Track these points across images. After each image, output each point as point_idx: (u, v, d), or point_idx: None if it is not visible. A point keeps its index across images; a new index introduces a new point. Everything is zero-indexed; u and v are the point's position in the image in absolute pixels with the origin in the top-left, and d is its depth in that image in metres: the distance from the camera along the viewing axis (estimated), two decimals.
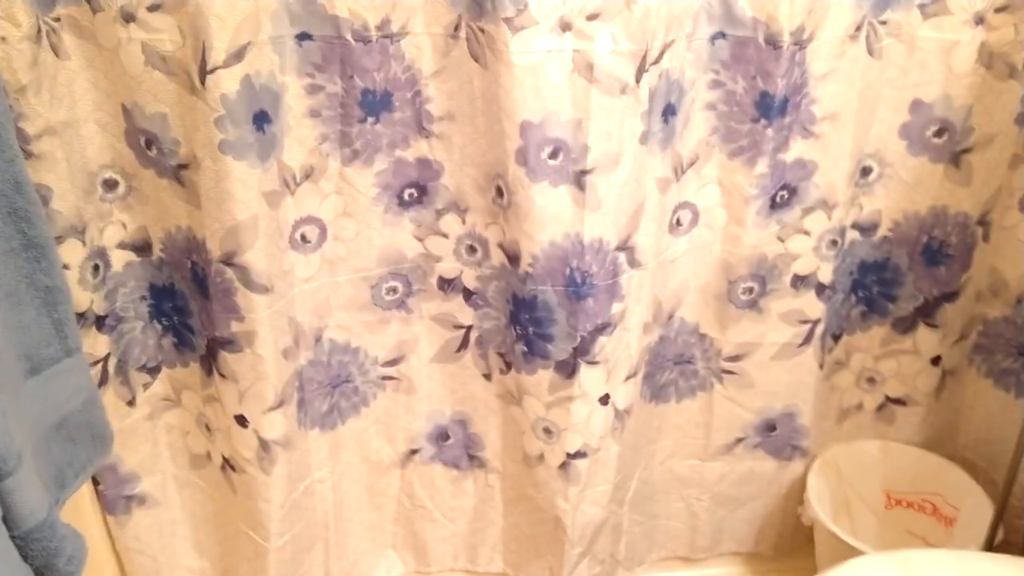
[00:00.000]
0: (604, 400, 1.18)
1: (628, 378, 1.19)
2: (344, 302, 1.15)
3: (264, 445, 1.11)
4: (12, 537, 0.74)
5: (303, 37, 0.98)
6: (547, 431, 1.20)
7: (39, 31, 0.92)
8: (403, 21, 1.00)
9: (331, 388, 1.19)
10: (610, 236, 1.09)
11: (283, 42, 0.97)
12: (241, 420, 1.10)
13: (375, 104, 1.03)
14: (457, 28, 1.01)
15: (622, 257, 1.11)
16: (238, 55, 0.92)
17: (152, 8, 0.91)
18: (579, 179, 1.05)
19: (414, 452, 1.29)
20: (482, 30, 0.99)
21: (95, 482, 1.16)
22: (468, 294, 1.17)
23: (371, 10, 0.98)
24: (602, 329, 1.14)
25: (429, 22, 1.01)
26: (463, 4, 0.99)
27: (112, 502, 1.18)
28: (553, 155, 1.03)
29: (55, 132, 0.95)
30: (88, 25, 0.94)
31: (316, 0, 0.96)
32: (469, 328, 1.20)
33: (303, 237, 1.08)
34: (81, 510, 1.16)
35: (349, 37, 0.98)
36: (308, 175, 1.05)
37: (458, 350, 1.22)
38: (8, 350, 0.78)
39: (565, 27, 0.97)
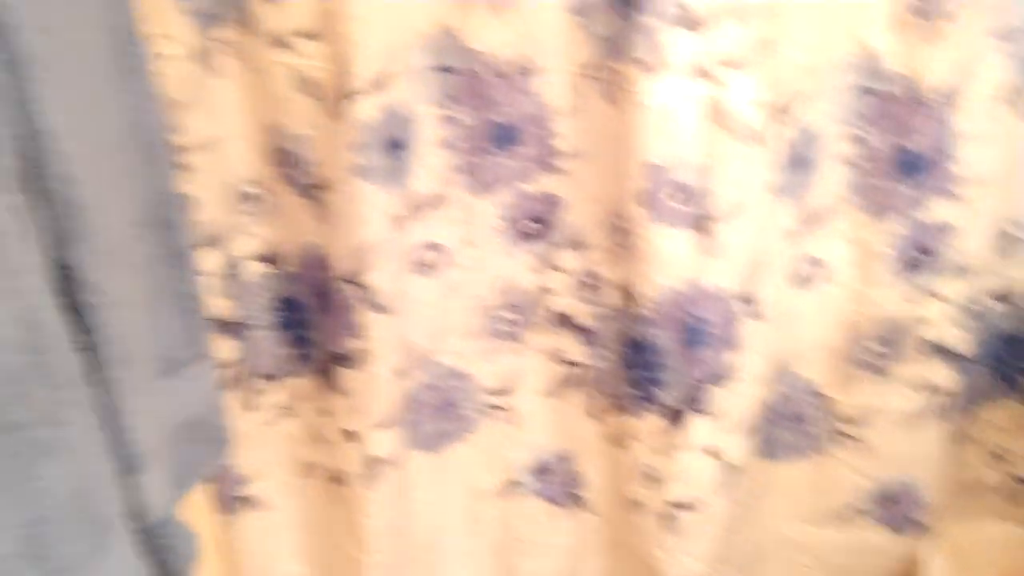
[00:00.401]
0: (712, 452, 1.16)
1: (739, 432, 1.16)
2: (459, 328, 1.16)
3: (370, 462, 1.14)
4: (135, 531, 0.77)
5: (443, 69, 1.00)
6: (651, 478, 1.18)
7: (199, 51, 0.98)
8: (539, 59, 1.01)
9: (439, 412, 1.21)
10: (730, 285, 1.07)
11: (423, 73, 0.99)
12: (350, 435, 1.13)
13: (504, 137, 1.05)
14: (592, 67, 1.01)
15: (742, 307, 1.09)
16: (379, 84, 0.96)
17: (302, 35, 0.95)
18: (702, 224, 1.03)
19: (515, 484, 1.29)
20: (616, 70, 0.99)
21: (212, 479, 1.21)
22: (581, 331, 1.17)
23: (509, 46, 0.99)
24: (716, 379, 1.11)
25: (565, 60, 1.02)
26: (600, 44, 1.00)
27: (224, 501, 1.22)
28: (677, 199, 1.02)
29: (205, 147, 1.01)
30: (244, 47, 0.99)
31: (457, 35, 0.98)
32: (580, 365, 1.19)
33: (425, 262, 1.10)
34: (193, 507, 1.21)
35: (485, 71, 1.00)
36: (435, 202, 1.07)
37: (567, 386, 1.21)
38: (144, 351, 0.83)
39: (700, 73, 0.97)
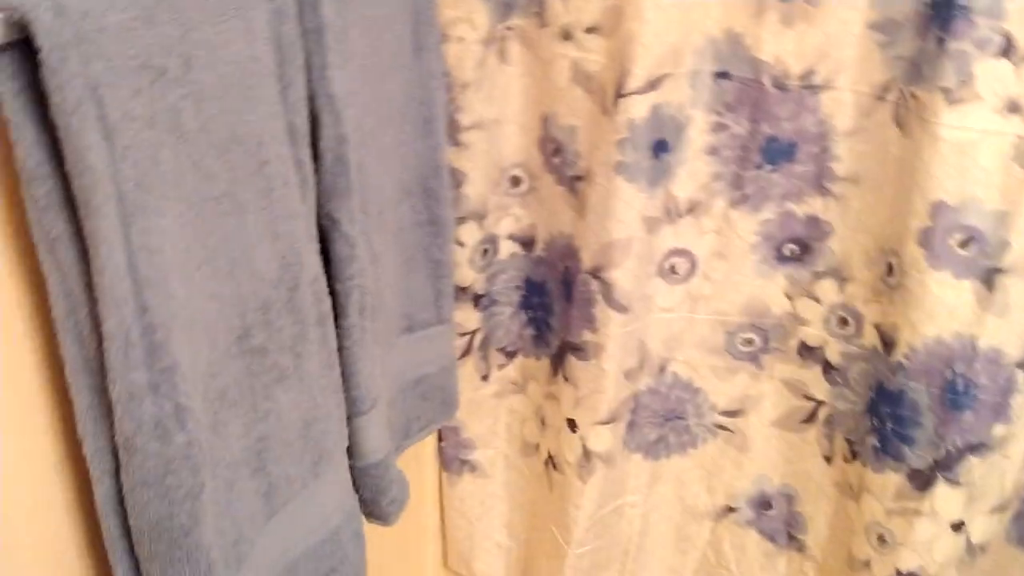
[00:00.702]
0: (957, 527, 1.04)
1: (993, 511, 1.03)
2: (696, 340, 1.13)
3: (587, 454, 1.15)
4: (351, 467, 0.85)
5: (721, 75, 0.98)
6: (881, 539, 1.08)
7: (492, 36, 1.03)
8: (828, 74, 0.95)
9: (663, 420, 1.19)
10: (1012, 349, 0.95)
11: (700, 77, 0.98)
12: (572, 424, 1.15)
13: (777, 153, 1.01)
14: (886, 90, 0.94)
15: (1021, 376, 0.96)
16: (654, 84, 0.95)
17: (589, 30, 0.97)
18: (989, 277, 0.93)
19: (731, 510, 1.24)
20: (914, 96, 0.91)
21: (440, 438, 1.29)
22: (828, 368, 1.10)
23: (797, 58, 0.95)
24: (975, 448, 1.00)
25: (857, 79, 0.95)
26: (899, 65, 0.92)
27: (449, 460, 1.30)
28: (964, 244, 0.92)
29: (482, 127, 1.06)
30: (533, 37, 1.03)
31: (743, 41, 0.95)
32: (820, 403, 1.12)
33: (672, 268, 1.08)
34: (423, 459, 1.29)
35: (767, 82, 0.96)
36: (692, 209, 1.05)
37: (803, 422, 1.14)
38: (394, 307, 0.90)
39: (1012, 108, 0.86)
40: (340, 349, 0.78)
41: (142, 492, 0.58)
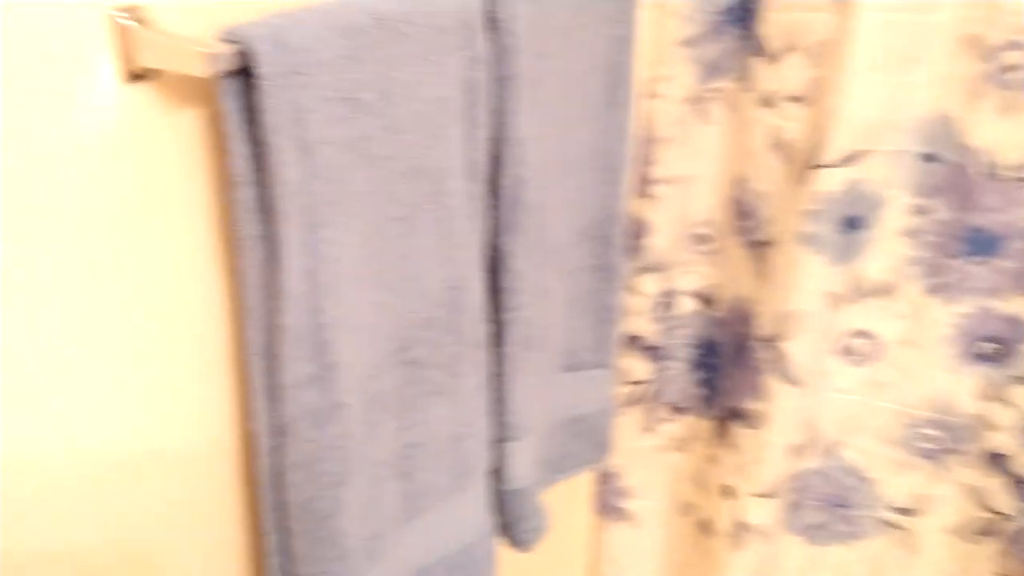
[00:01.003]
0: None
1: None
2: (873, 428, 1.08)
3: (740, 525, 1.12)
4: (495, 489, 0.89)
5: (927, 158, 0.94)
6: None
7: (694, 96, 1.05)
8: None
9: (829, 505, 1.14)
10: None
11: (903, 157, 0.95)
12: (729, 491, 1.12)
13: (981, 244, 0.95)
14: None
15: None
16: (852, 159, 0.93)
17: (791, 99, 0.97)
18: None
19: None
20: None
21: (597, 482, 1.30)
22: (1017, 481, 1.01)
23: (1012, 148, 0.90)
24: None
25: None
26: None
27: (604, 505, 1.31)
28: None
29: (674, 182, 1.08)
30: (736, 100, 1.04)
31: (955, 125, 0.92)
32: (1003, 517, 1.03)
33: (853, 348, 1.04)
34: (579, 500, 1.31)
35: (977, 170, 0.92)
36: (882, 291, 1.01)
37: (982, 533, 1.06)
38: (557, 344, 0.94)
39: None
40: (498, 375, 0.82)
41: (295, 473, 0.65)
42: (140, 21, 0.53)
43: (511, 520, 0.90)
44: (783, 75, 0.97)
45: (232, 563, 0.75)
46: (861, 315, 1.03)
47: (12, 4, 0.47)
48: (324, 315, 0.61)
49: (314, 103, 0.56)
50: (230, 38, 0.51)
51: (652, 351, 1.18)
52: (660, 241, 1.11)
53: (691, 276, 1.14)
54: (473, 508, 0.84)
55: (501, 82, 0.71)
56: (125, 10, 0.52)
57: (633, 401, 1.21)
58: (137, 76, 0.54)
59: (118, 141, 0.54)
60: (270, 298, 0.61)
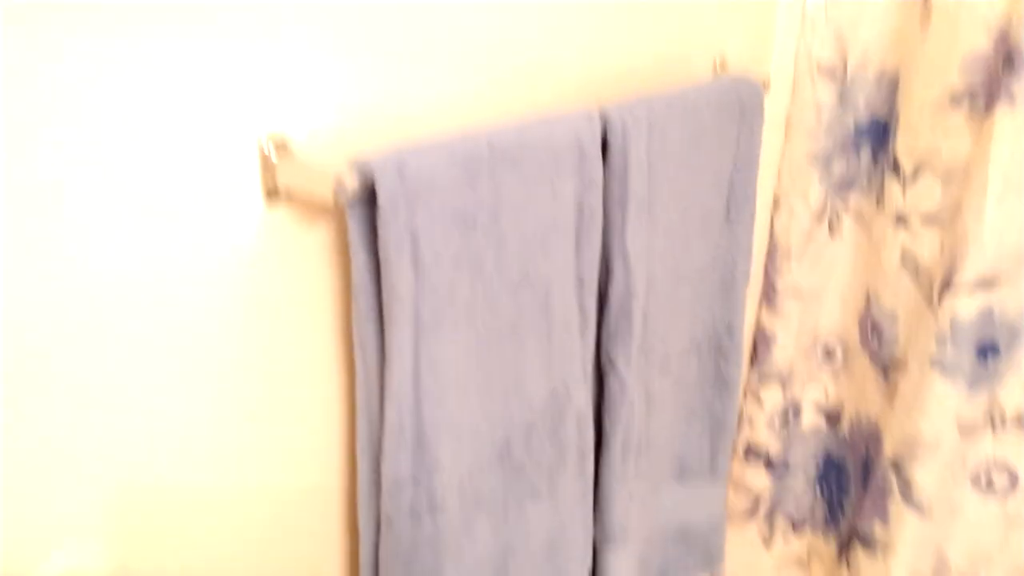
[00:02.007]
0: None
1: None
2: (1009, 566, 1.01)
3: None
4: None
5: None
6: None
7: (824, 210, 1.05)
8: None
9: None
10: None
11: None
12: None
13: None
14: None
15: None
16: (986, 284, 0.90)
17: (926, 220, 0.95)
18: None
19: None
20: None
21: None
22: None
23: None
24: None
25: None
26: None
27: None
28: None
29: (800, 295, 1.07)
30: (868, 217, 1.03)
31: None
32: None
33: (989, 481, 0.99)
34: None
35: None
36: (1021, 422, 0.96)
37: None
38: (666, 453, 0.94)
39: None
40: (599, 479, 0.83)
41: (392, 566, 0.69)
42: (282, 149, 0.60)
43: None
44: (917, 194, 0.96)
45: None
46: (999, 446, 0.97)
47: (183, 125, 0.54)
48: (425, 416, 0.65)
49: (428, 224, 0.60)
50: (357, 166, 0.57)
51: (771, 463, 1.15)
52: (784, 353, 1.10)
53: (816, 390, 1.12)
54: None
55: (613, 203, 0.74)
56: (272, 138, 0.59)
57: (751, 512, 1.18)
58: (276, 197, 0.61)
59: (258, 254, 0.61)
60: (379, 396, 0.65)
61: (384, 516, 0.67)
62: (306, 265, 0.65)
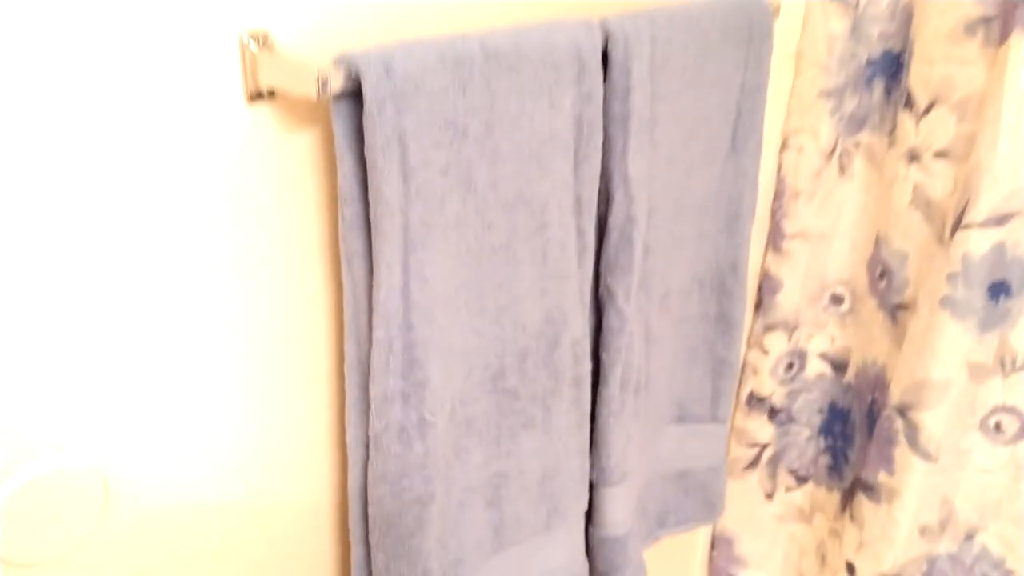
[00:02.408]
0: None
1: None
2: (1017, 514, 0.99)
3: None
4: (591, 534, 0.87)
5: None
6: None
7: (833, 149, 1.02)
8: None
9: None
10: None
11: None
12: (850, 569, 1.05)
13: None
14: None
15: None
16: (999, 220, 0.87)
17: (938, 154, 0.92)
18: None
19: None
20: None
21: (711, 546, 1.25)
22: None
23: None
24: None
25: None
26: None
27: (717, 571, 1.25)
28: None
29: (807, 237, 1.05)
30: (880, 155, 1.00)
31: None
32: None
33: (998, 425, 0.96)
34: (691, 564, 1.27)
35: None
36: None
37: None
38: (666, 394, 0.92)
39: None
40: (596, 416, 0.81)
41: (380, 487, 0.67)
42: (265, 46, 0.57)
43: (605, 569, 0.88)
44: (931, 128, 0.93)
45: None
46: (1009, 390, 0.95)
47: (160, 20, 0.52)
48: (415, 333, 0.63)
49: (416, 128, 0.58)
50: (342, 62, 0.55)
51: (775, 413, 1.13)
52: (790, 299, 1.07)
53: (823, 338, 1.09)
54: (565, 549, 0.83)
55: (613, 120, 0.71)
56: (253, 35, 0.57)
57: (753, 463, 1.16)
58: (258, 96, 0.58)
59: (241, 158, 0.59)
60: (367, 312, 0.63)
61: (372, 436, 0.65)
62: (291, 172, 0.62)
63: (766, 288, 1.08)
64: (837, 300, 1.07)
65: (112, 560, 0.61)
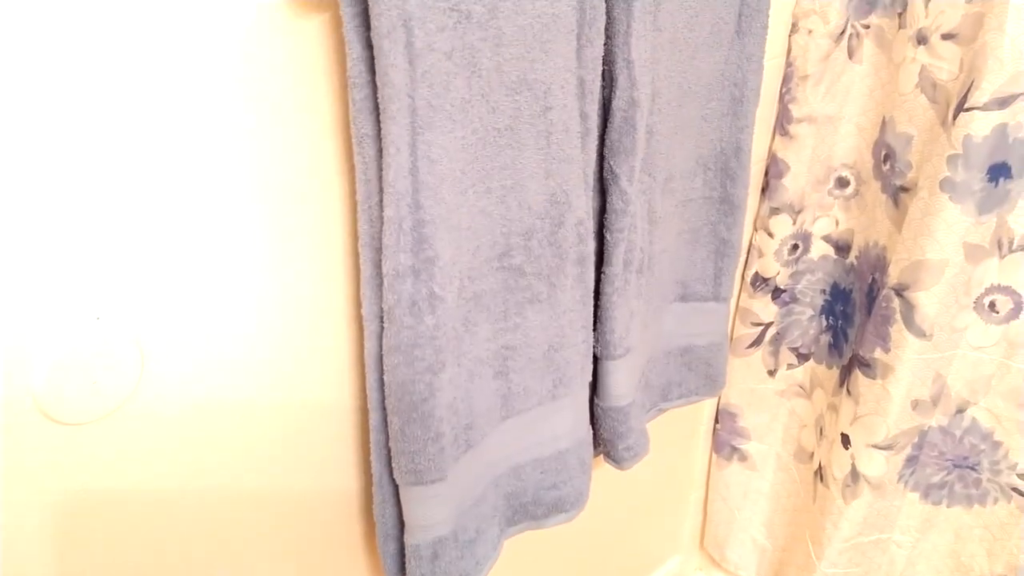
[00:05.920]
0: None
1: None
2: (1006, 389, 1.03)
3: (854, 475, 1.11)
4: (596, 405, 0.92)
5: None
6: None
7: (843, 32, 1.02)
8: None
9: (952, 465, 1.10)
10: None
11: None
12: (845, 440, 1.11)
13: None
14: None
15: None
16: (1003, 102, 0.88)
17: (946, 36, 0.92)
18: None
19: None
20: None
21: (716, 420, 1.31)
22: None
23: None
24: None
25: None
26: None
27: (721, 444, 1.32)
28: None
29: (815, 121, 1.06)
30: (889, 38, 1.00)
31: None
32: None
33: (992, 305, 0.99)
34: (696, 437, 1.33)
35: None
36: None
37: None
38: (669, 273, 0.95)
39: None
40: (600, 294, 0.85)
41: (394, 356, 0.71)
42: None
43: (609, 437, 0.94)
44: (940, 9, 0.93)
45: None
46: (1004, 271, 0.97)
47: None
48: (424, 211, 0.66)
49: (420, 11, 0.60)
50: None
51: (778, 293, 1.17)
52: (796, 182, 1.10)
53: (827, 221, 1.12)
54: (569, 417, 0.88)
55: (617, 3, 0.72)
56: None
57: (756, 342, 1.20)
58: None
59: (254, 46, 0.61)
60: (378, 192, 0.67)
61: (386, 309, 0.69)
62: (303, 57, 0.65)
63: (772, 171, 1.10)
64: (842, 183, 1.09)
65: (149, 424, 0.67)
